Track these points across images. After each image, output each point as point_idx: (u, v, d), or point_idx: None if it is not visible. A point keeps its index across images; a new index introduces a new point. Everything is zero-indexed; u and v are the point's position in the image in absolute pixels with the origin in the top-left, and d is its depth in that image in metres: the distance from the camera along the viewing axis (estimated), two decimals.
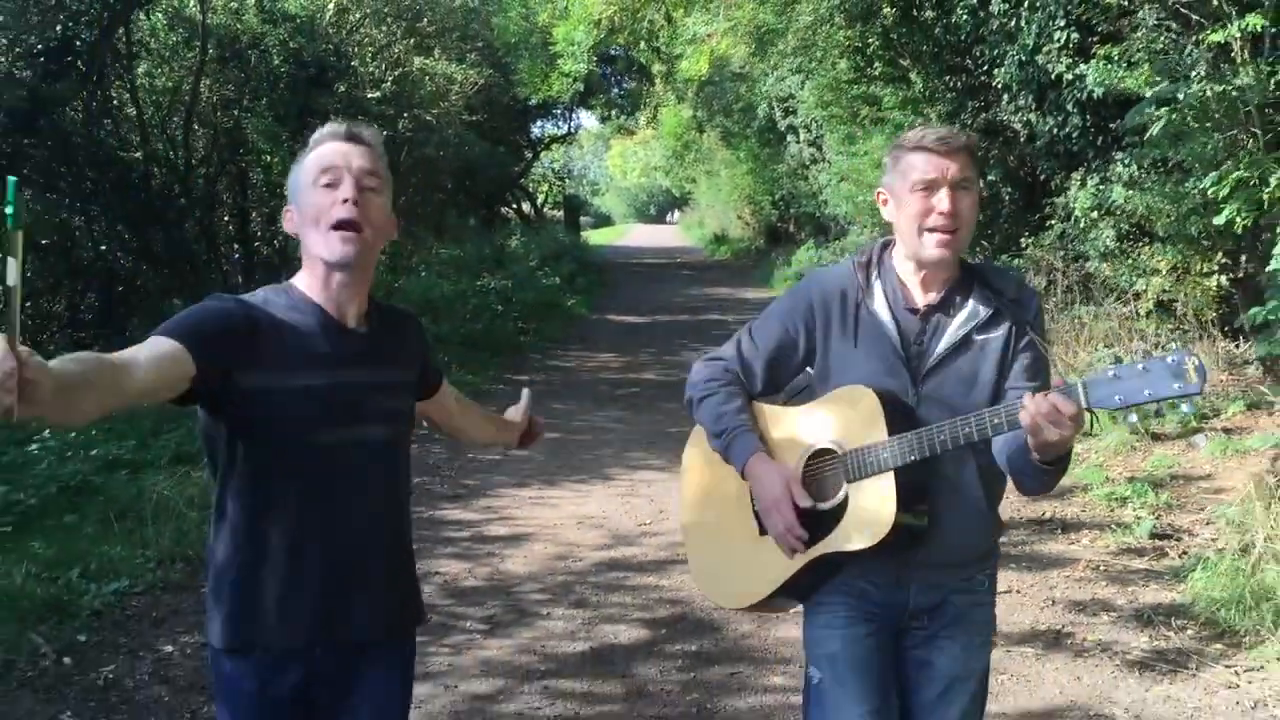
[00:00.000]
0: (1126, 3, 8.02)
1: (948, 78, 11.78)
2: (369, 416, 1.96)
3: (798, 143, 19.61)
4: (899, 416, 2.05)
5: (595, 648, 4.32)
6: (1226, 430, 6.93)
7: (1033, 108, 9.97)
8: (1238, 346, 8.25)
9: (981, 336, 2.10)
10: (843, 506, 2.07)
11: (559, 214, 35.02)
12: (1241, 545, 4.94)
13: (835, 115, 15.34)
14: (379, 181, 1.95)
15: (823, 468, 2.13)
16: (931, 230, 2.05)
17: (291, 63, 12.78)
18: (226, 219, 13.07)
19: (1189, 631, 4.38)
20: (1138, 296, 8.59)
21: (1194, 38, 7.26)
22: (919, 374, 2.10)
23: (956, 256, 2.10)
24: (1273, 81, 6.56)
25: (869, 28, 12.64)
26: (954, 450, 1.99)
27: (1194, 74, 6.93)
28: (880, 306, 2.13)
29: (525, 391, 2.59)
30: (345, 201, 1.88)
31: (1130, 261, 8.58)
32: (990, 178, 10.94)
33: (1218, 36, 6.78)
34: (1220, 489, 6.02)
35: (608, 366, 11.73)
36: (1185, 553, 5.24)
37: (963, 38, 11.01)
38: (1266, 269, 6.19)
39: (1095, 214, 8.76)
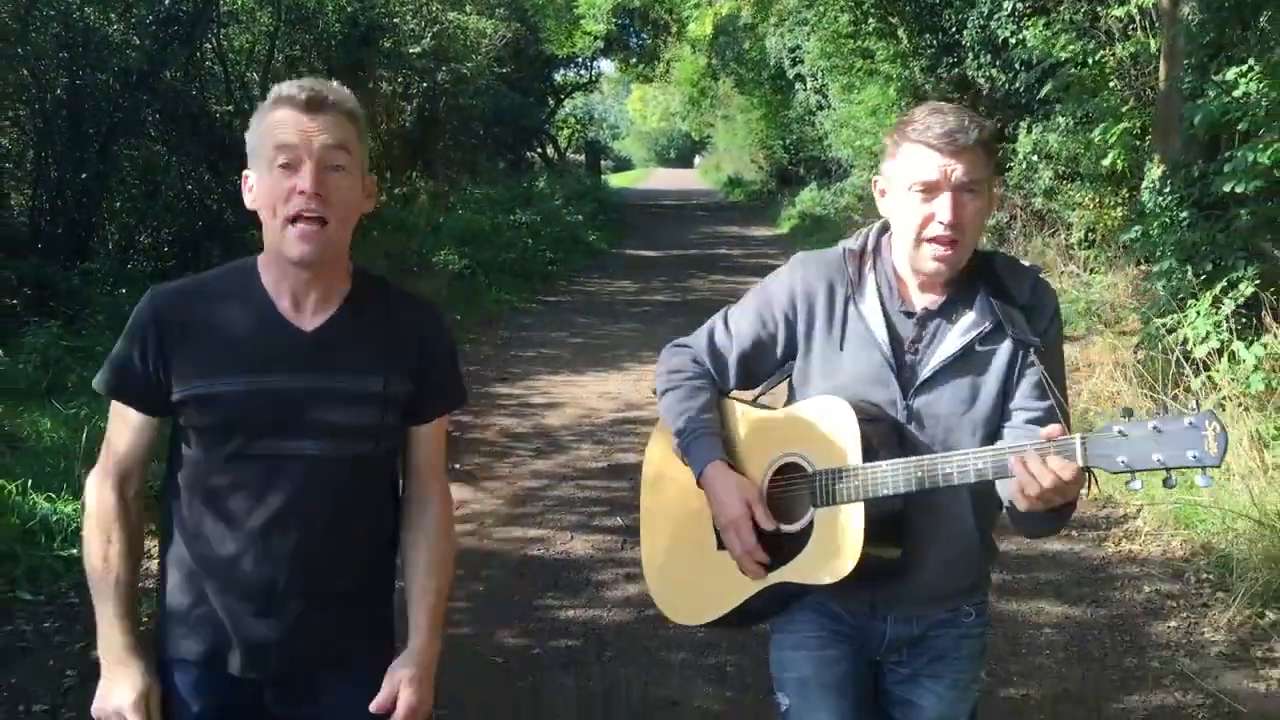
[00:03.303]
0: None
1: (927, 35, 13.34)
2: (305, 429, 1.71)
3: (804, 90, 21.10)
4: (880, 437, 1.83)
5: (611, 464, 6.15)
6: (1123, 333, 8.63)
7: (992, 65, 11.56)
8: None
9: (985, 347, 1.86)
10: (807, 533, 1.86)
11: (581, 158, 36.59)
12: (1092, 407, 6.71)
13: (836, 66, 16.91)
14: (348, 157, 1.68)
15: (790, 484, 1.92)
16: (930, 240, 1.81)
17: (346, 23, 14.47)
18: None
19: None
20: (1068, 228, 10.25)
21: (1105, 12, 8.89)
22: (910, 385, 1.88)
23: (956, 268, 1.86)
24: (1151, 48, 8.19)
25: None
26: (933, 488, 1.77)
27: (1096, 42, 8.58)
28: (871, 306, 1.90)
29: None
30: (303, 193, 1.63)
31: (1063, 198, 10.23)
32: None
33: (1119, 11, 8.42)
34: (1095, 370, 7.76)
35: (624, 290, 13.51)
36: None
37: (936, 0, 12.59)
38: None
39: (1035, 158, 10.40)
